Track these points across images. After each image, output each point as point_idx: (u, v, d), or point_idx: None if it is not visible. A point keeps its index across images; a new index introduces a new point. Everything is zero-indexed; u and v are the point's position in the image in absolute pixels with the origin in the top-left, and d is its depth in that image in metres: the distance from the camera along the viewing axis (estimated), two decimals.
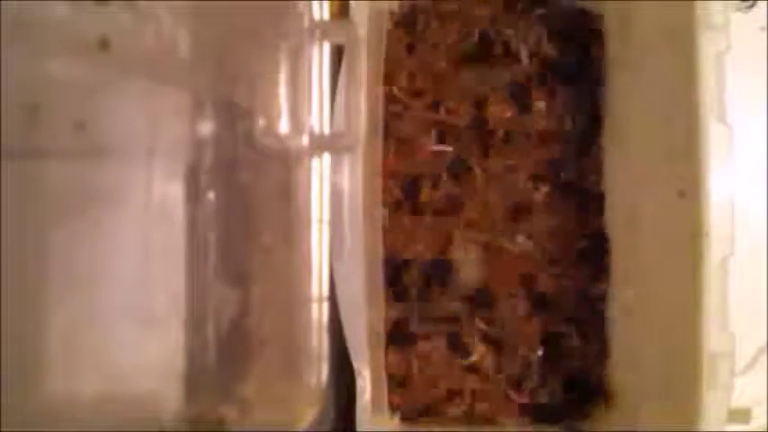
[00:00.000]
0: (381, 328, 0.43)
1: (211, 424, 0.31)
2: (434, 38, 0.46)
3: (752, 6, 0.47)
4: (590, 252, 0.46)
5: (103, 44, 0.30)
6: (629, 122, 0.44)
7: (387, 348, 0.43)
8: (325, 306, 0.32)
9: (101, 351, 0.30)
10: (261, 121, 0.32)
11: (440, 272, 0.45)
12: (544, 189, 0.46)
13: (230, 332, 0.32)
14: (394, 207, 0.45)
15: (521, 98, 0.46)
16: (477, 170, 0.46)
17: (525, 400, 0.45)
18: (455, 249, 0.45)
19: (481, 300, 0.45)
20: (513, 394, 0.45)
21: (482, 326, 0.45)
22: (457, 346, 0.45)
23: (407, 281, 0.45)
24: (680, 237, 0.37)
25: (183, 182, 0.31)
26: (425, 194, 0.45)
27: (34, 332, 0.30)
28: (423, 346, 0.45)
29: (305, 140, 0.32)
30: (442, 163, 0.46)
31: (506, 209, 0.46)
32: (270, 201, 0.32)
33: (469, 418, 0.45)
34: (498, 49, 0.46)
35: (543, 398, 0.45)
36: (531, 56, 0.46)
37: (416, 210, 0.45)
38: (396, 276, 0.45)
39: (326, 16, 0.33)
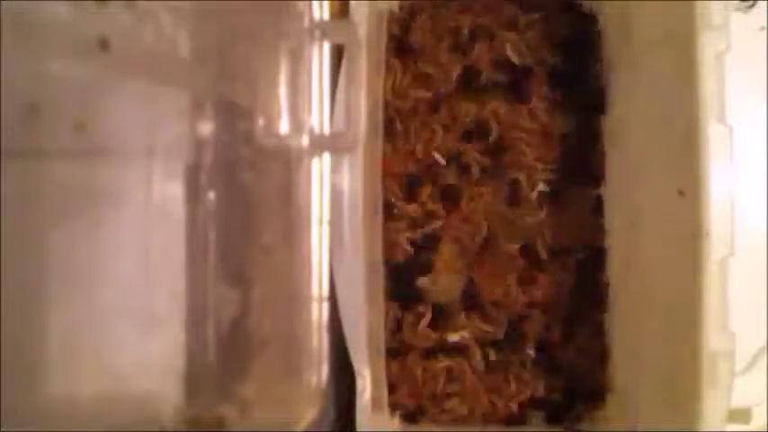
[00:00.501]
0: (381, 329, 0.43)
1: (211, 424, 0.31)
2: (434, 38, 0.46)
3: (752, 6, 0.47)
4: (590, 252, 0.46)
5: (103, 44, 0.30)
6: (629, 122, 0.44)
7: (387, 349, 0.43)
8: (325, 306, 0.32)
9: (101, 351, 0.30)
10: (261, 121, 0.32)
11: (440, 272, 0.45)
12: (544, 189, 0.46)
13: (230, 332, 0.32)
14: (394, 207, 0.45)
15: (520, 98, 0.46)
16: (477, 170, 0.46)
17: (524, 400, 0.45)
18: (455, 249, 0.45)
19: (481, 300, 0.45)
20: (512, 394, 0.45)
21: (481, 326, 0.45)
22: (457, 346, 0.45)
23: (407, 281, 0.45)
24: (680, 236, 0.37)
25: (183, 182, 0.31)
26: (424, 194, 0.45)
27: (34, 332, 0.30)
28: (422, 346, 0.45)
29: (305, 140, 0.32)
30: (440, 163, 0.46)
31: (506, 209, 0.46)
32: (270, 201, 0.32)
33: (469, 418, 0.45)
34: (498, 50, 0.46)
35: (543, 398, 0.45)
36: (531, 56, 0.46)
37: (417, 209, 0.45)
38: (396, 276, 0.45)
39: (326, 16, 0.33)
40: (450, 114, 0.46)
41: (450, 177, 0.46)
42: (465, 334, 0.45)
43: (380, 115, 0.44)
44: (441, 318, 0.45)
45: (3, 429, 0.28)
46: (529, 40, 0.46)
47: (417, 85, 0.46)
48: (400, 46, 0.46)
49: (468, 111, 0.46)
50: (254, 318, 0.32)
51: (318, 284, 0.32)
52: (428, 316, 0.45)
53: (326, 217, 0.32)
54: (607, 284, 0.46)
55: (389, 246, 0.45)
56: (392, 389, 0.44)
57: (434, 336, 0.45)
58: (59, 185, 0.30)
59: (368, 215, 0.39)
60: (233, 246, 0.32)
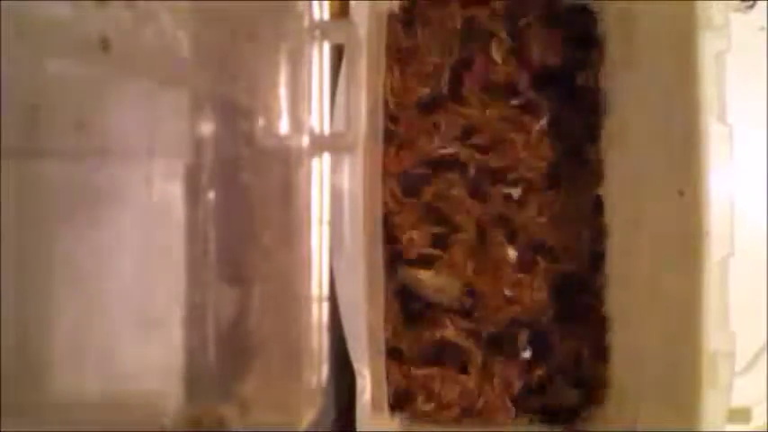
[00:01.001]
0: (381, 328, 0.43)
1: (211, 424, 0.31)
2: (434, 38, 0.46)
3: (752, 6, 0.47)
4: (590, 252, 0.46)
5: (103, 44, 0.30)
6: (629, 122, 0.44)
7: (387, 349, 0.44)
8: (325, 306, 0.32)
9: (101, 351, 0.30)
10: (261, 121, 0.32)
11: (440, 272, 0.45)
12: (543, 189, 0.46)
13: (230, 332, 0.32)
14: (393, 207, 0.45)
15: (521, 98, 0.46)
16: (477, 170, 0.46)
17: (524, 400, 0.45)
18: (455, 249, 0.45)
19: (481, 300, 0.45)
20: (512, 395, 0.45)
21: (482, 326, 0.45)
22: (457, 346, 0.45)
23: (407, 281, 0.45)
24: (680, 236, 0.37)
25: (182, 182, 0.31)
26: (425, 194, 0.45)
27: (35, 332, 0.30)
28: (422, 346, 0.45)
29: (305, 140, 0.32)
30: (440, 162, 0.46)
31: (505, 209, 0.46)
32: (270, 201, 0.32)
33: (469, 418, 0.45)
34: (498, 49, 0.46)
35: (543, 398, 0.45)
36: (531, 56, 0.46)
37: (416, 210, 0.45)
38: (396, 276, 0.45)
39: (326, 16, 0.33)
40: (450, 114, 0.46)
41: (450, 177, 0.46)
42: (464, 334, 0.45)
43: (380, 115, 0.44)
44: (441, 317, 0.45)
45: (3, 429, 0.28)
46: (529, 39, 0.46)
47: (417, 85, 0.46)
48: (400, 46, 0.46)
49: (469, 111, 0.46)
50: (254, 318, 0.32)
51: (318, 284, 0.32)
52: (428, 316, 0.45)
53: (326, 217, 0.32)
54: (607, 284, 0.45)
55: (391, 246, 0.45)
56: (392, 389, 0.44)
57: (434, 336, 0.45)
58: (59, 185, 0.30)
59: (368, 215, 0.39)
60: (233, 246, 0.32)
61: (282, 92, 0.32)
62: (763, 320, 0.45)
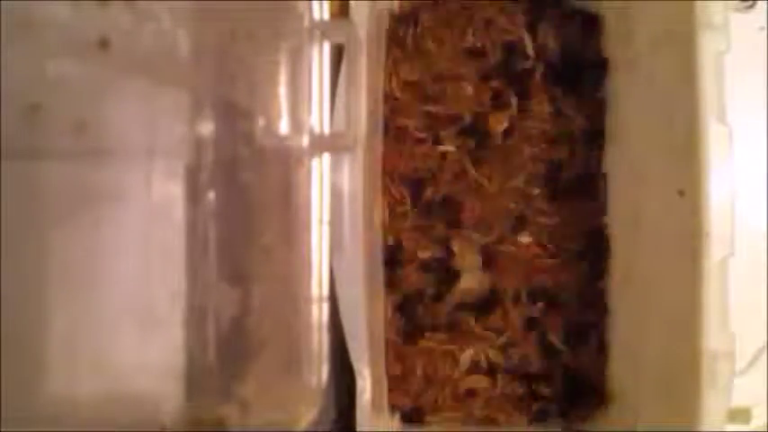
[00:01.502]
0: (381, 328, 0.43)
1: (211, 424, 0.31)
2: (434, 38, 0.46)
3: (752, 6, 0.47)
4: (590, 252, 0.46)
5: (103, 44, 0.30)
6: (629, 122, 0.44)
7: (387, 348, 0.44)
8: (325, 306, 0.32)
9: (101, 351, 0.30)
10: (261, 121, 0.32)
11: (439, 272, 0.45)
12: (544, 189, 0.46)
13: (230, 332, 0.32)
14: (394, 207, 0.45)
15: (521, 98, 0.46)
16: (477, 170, 0.46)
17: (525, 400, 0.45)
18: (455, 249, 0.45)
19: (480, 300, 0.45)
20: (512, 394, 0.45)
21: (482, 326, 0.45)
22: (457, 346, 0.45)
23: (407, 281, 0.45)
24: (680, 236, 0.37)
25: (183, 182, 0.31)
26: (425, 194, 0.45)
27: (34, 332, 0.30)
28: (422, 346, 0.45)
29: (305, 140, 0.32)
30: (441, 163, 0.46)
31: (506, 209, 0.46)
32: (270, 201, 0.32)
33: (469, 418, 0.45)
34: (498, 50, 0.46)
35: (543, 398, 0.45)
36: (531, 56, 0.46)
37: (416, 210, 0.45)
38: (396, 276, 0.45)
39: (326, 16, 0.33)
40: (451, 114, 0.46)
41: (451, 177, 0.46)
42: (466, 334, 0.45)
43: (380, 115, 0.44)
44: (441, 317, 0.45)
45: (3, 429, 0.28)
46: (530, 40, 0.46)
47: (417, 85, 0.46)
48: (400, 46, 0.46)
49: (469, 111, 0.46)
50: (254, 318, 0.32)
51: (318, 284, 0.32)
52: (428, 316, 0.45)
53: (326, 217, 0.32)
54: (607, 285, 0.45)
55: (391, 246, 0.45)
56: (392, 389, 0.44)
57: (434, 335, 0.45)
58: (59, 185, 0.30)
59: (368, 215, 0.39)
60: (233, 246, 0.32)
61: (282, 92, 0.32)
62: (763, 320, 0.45)
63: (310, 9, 0.32)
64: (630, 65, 0.44)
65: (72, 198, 0.30)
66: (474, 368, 0.45)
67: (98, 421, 0.30)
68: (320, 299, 0.32)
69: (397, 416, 0.44)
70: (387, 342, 0.44)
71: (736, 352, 0.35)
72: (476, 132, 0.46)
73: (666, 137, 0.39)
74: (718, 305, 0.36)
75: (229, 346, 0.32)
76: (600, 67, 0.46)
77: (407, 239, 0.45)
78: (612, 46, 0.46)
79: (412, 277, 0.45)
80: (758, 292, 0.46)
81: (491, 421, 0.45)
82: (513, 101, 0.46)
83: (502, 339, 0.45)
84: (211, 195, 0.32)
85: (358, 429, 0.38)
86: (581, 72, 0.47)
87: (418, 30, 0.46)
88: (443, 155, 0.46)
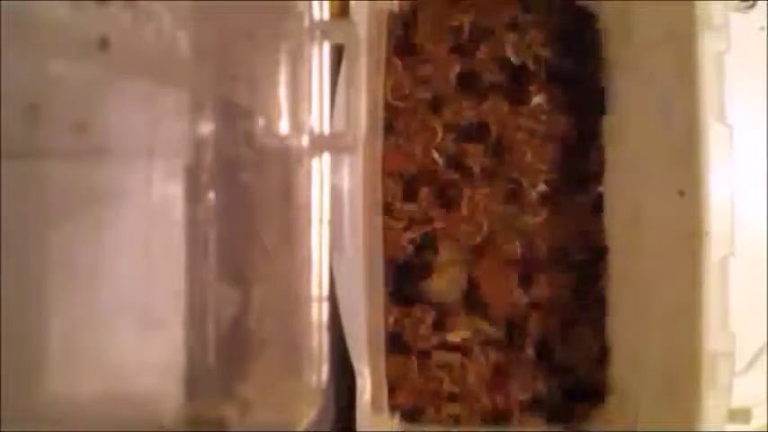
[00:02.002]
0: (381, 328, 0.43)
1: (211, 424, 0.31)
2: (434, 38, 0.46)
3: (752, 6, 0.47)
4: (590, 252, 0.46)
5: (103, 44, 0.30)
6: (629, 122, 0.44)
7: (387, 348, 0.43)
8: (325, 306, 0.32)
9: (101, 351, 0.30)
10: (261, 121, 0.32)
11: (440, 272, 0.45)
12: (543, 189, 0.46)
13: (230, 332, 0.32)
14: (394, 207, 0.45)
15: (520, 98, 0.46)
16: (477, 170, 0.46)
17: (524, 400, 0.45)
18: (455, 249, 0.45)
19: (481, 299, 0.45)
20: (512, 394, 0.45)
21: (482, 326, 0.45)
22: (457, 346, 0.45)
23: (407, 281, 0.45)
24: (680, 236, 0.37)
25: (183, 182, 0.31)
26: (424, 194, 0.45)
27: (34, 332, 0.30)
28: (422, 346, 0.45)
29: (305, 140, 0.32)
30: (440, 163, 0.46)
31: (506, 208, 0.46)
32: (270, 201, 0.32)
33: (469, 418, 0.45)
34: (498, 49, 0.46)
35: (543, 398, 0.45)
36: (531, 56, 0.46)
37: (416, 209, 0.45)
38: (396, 276, 0.45)
39: (326, 16, 0.33)
40: (451, 114, 0.46)
41: (450, 177, 0.46)
42: (465, 334, 0.45)
43: (380, 115, 0.44)
44: (441, 318, 0.45)
45: (3, 429, 0.28)
46: (529, 39, 0.46)
47: (417, 85, 0.46)
48: (400, 46, 0.46)
49: (469, 111, 0.46)
50: (254, 318, 0.32)
51: (318, 284, 0.32)
52: (429, 316, 0.45)
53: (326, 217, 0.32)
54: (607, 284, 0.45)
55: (390, 246, 0.45)
56: (392, 389, 0.44)
57: (435, 336, 0.45)
58: (59, 185, 0.30)
59: (368, 215, 0.39)
60: (233, 246, 0.32)
61: (282, 92, 0.32)
62: (763, 320, 0.45)
63: (310, 9, 0.32)
64: (630, 65, 0.44)
65: (72, 198, 0.30)
66: (474, 368, 0.45)
67: (98, 421, 0.30)
68: (320, 299, 0.32)
69: (397, 416, 0.44)
70: (386, 342, 0.44)
71: (736, 352, 0.35)
72: (475, 132, 0.46)
73: (666, 137, 0.39)
74: (718, 305, 0.35)
75: (229, 346, 0.32)
76: (599, 66, 0.46)
77: (408, 239, 0.45)
78: (612, 46, 0.46)
79: (412, 276, 0.45)
80: (758, 292, 0.46)
81: (491, 421, 0.45)
82: (512, 100, 0.46)
83: (501, 339, 0.45)
84: (211, 195, 0.32)
85: (358, 429, 0.38)
86: (580, 71, 0.46)
87: (418, 30, 0.46)
88: (442, 155, 0.46)
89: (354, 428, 0.38)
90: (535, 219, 0.46)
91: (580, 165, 0.46)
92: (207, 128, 0.32)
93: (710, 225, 0.36)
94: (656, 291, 0.40)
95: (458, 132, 0.46)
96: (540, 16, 0.47)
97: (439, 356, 0.45)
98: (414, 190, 0.45)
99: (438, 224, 0.45)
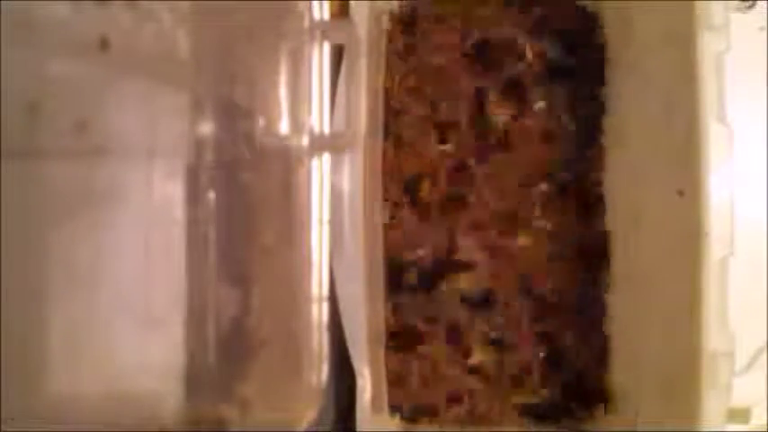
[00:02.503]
0: (381, 328, 0.43)
1: (211, 424, 0.31)
2: (434, 38, 0.46)
3: (752, 6, 0.47)
4: (590, 252, 0.46)
5: (103, 44, 0.30)
6: (629, 122, 0.44)
7: (387, 349, 0.44)
8: (325, 306, 0.32)
9: (101, 351, 0.30)
10: (261, 121, 0.32)
11: (440, 272, 0.45)
12: (544, 189, 0.46)
13: (230, 332, 0.32)
14: (394, 207, 0.45)
15: (521, 98, 0.46)
16: (477, 170, 0.46)
17: (525, 400, 0.45)
18: (455, 250, 0.45)
19: (481, 300, 0.45)
20: (513, 395, 0.45)
21: (482, 326, 0.45)
22: (457, 346, 0.45)
23: (408, 281, 0.45)
24: (680, 236, 0.37)
25: (183, 182, 0.31)
26: (425, 194, 0.45)
27: (35, 332, 0.30)
28: (423, 346, 0.45)
29: (305, 140, 0.32)
30: (442, 163, 0.46)
31: (506, 209, 0.46)
32: (270, 201, 0.32)
33: (469, 418, 0.45)
34: (498, 49, 0.46)
35: (543, 398, 0.45)
36: (531, 56, 0.46)
37: (416, 210, 0.45)
38: (396, 276, 0.45)
39: (326, 16, 0.33)
40: (451, 114, 0.46)
41: (451, 178, 0.46)
42: (466, 335, 0.45)
43: (380, 115, 0.44)
44: (442, 318, 0.45)
45: (3, 429, 0.28)
46: (529, 39, 0.46)
47: (417, 85, 0.46)
48: (400, 46, 0.46)
49: (469, 111, 0.46)
50: (254, 318, 0.32)
51: (318, 284, 0.32)
52: (429, 316, 0.45)
53: (326, 217, 0.32)
54: (607, 284, 0.45)
55: (391, 246, 0.45)
56: (392, 389, 0.44)
57: (435, 336, 0.45)
58: (59, 185, 0.30)
59: (368, 215, 0.39)
60: (233, 246, 0.32)
61: (282, 92, 0.32)
62: (763, 320, 0.45)
63: (310, 9, 0.32)
64: (630, 65, 0.44)
65: (72, 198, 0.30)
66: (474, 368, 0.45)
67: (98, 421, 0.30)
68: (320, 299, 0.32)
69: (397, 416, 0.44)
70: (387, 342, 0.44)
71: (736, 352, 0.35)
72: (475, 132, 0.46)
73: (666, 137, 0.39)
74: (717, 305, 0.35)
75: (229, 346, 0.32)
76: (599, 66, 0.46)
77: (407, 239, 0.45)
78: (612, 46, 0.46)
79: (412, 277, 0.45)
80: (758, 292, 0.46)
81: (491, 421, 0.45)
82: (513, 101, 0.46)
83: (502, 339, 0.45)
84: (211, 195, 0.32)
85: (358, 429, 0.38)
86: (580, 72, 0.46)
87: (418, 30, 0.46)
88: (443, 155, 0.46)
89: (354, 428, 0.38)
90: (536, 219, 0.46)
91: (581, 165, 0.46)
92: (207, 128, 0.32)
93: (710, 225, 0.36)
94: (656, 291, 0.40)
95: (458, 132, 0.46)
96: (540, 16, 0.47)
97: (439, 356, 0.45)
98: (414, 190, 0.45)
99: (438, 225, 0.45)
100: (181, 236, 0.31)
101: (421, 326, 0.45)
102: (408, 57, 0.46)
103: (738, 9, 0.46)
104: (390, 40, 0.45)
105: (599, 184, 0.46)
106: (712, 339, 0.35)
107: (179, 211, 0.31)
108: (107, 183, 0.31)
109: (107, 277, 0.31)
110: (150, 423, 0.31)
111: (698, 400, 0.35)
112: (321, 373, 0.31)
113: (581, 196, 0.46)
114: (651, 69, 0.41)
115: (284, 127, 0.32)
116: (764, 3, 0.47)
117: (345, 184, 0.37)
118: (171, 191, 0.31)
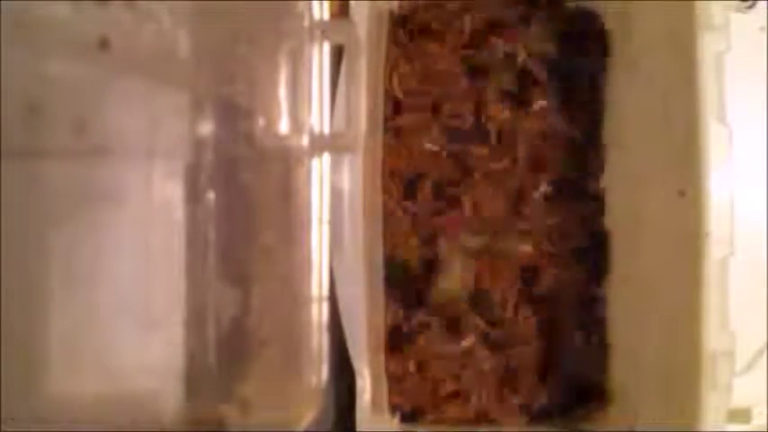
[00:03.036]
0: (381, 328, 0.43)
1: (211, 424, 0.31)
2: (434, 38, 0.46)
3: (752, 6, 0.47)
4: (590, 252, 0.46)
5: (103, 44, 0.30)
6: (629, 122, 0.44)
7: (386, 348, 0.44)
8: (325, 306, 0.32)
9: (101, 351, 0.30)
10: (261, 121, 0.32)
11: (440, 272, 0.45)
12: (544, 189, 0.46)
13: (230, 332, 0.32)
14: (394, 207, 0.45)
15: (521, 98, 0.46)
16: (477, 170, 0.46)
17: (525, 400, 0.45)
18: (455, 249, 0.45)
19: (481, 300, 0.45)
20: (512, 394, 0.45)
21: (482, 326, 0.45)
22: (457, 346, 0.45)
23: (408, 281, 0.45)
24: (680, 236, 0.37)
25: (182, 182, 0.31)
26: (425, 194, 0.45)
27: (35, 332, 0.30)
28: (422, 346, 0.45)
29: (305, 140, 0.32)
30: (441, 163, 0.46)
31: (506, 209, 0.46)
32: (270, 201, 0.32)
33: (469, 418, 0.45)
34: (498, 49, 0.46)
35: (543, 398, 0.45)
36: (532, 56, 0.46)
37: (416, 209, 0.45)
38: (396, 276, 0.45)
39: (326, 16, 0.33)
40: (452, 114, 0.46)
41: (452, 178, 0.46)
42: (467, 335, 0.45)
43: (380, 115, 0.44)
44: (442, 318, 0.45)
45: (3, 429, 0.28)
46: (529, 39, 0.46)
47: (418, 85, 0.46)
48: (400, 46, 0.46)
49: (469, 111, 0.46)
50: (254, 318, 0.32)
51: (318, 284, 0.32)
52: (430, 316, 0.45)
53: (326, 217, 0.32)
54: (607, 285, 0.45)
55: (391, 246, 0.45)
56: (392, 389, 0.44)
57: (435, 336, 0.45)
58: (59, 185, 0.30)
59: (368, 215, 0.39)
60: (233, 246, 0.32)
61: (282, 92, 0.32)
62: (763, 320, 0.45)
63: (310, 9, 0.32)
64: (630, 65, 0.44)
65: (72, 198, 0.30)
66: (474, 368, 0.45)
67: (98, 421, 0.30)
68: (320, 299, 0.32)
69: (397, 416, 0.44)
70: (386, 342, 0.44)
71: (737, 352, 0.35)
72: (475, 132, 0.46)
73: (666, 137, 0.39)
74: (718, 305, 0.35)
75: (229, 346, 0.32)
76: (599, 66, 0.46)
77: (408, 239, 0.45)
78: (612, 46, 0.46)
79: (412, 276, 0.45)
80: (758, 292, 0.46)
81: (491, 421, 0.45)
82: (513, 101, 0.46)
83: (502, 339, 0.45)
84: (211, 195, 0.32)
85: (358, 429, 0.38)
86: (580, 72, 0.46)
87: (418, 30, 0.46)
88: (443, 155, 0.46)
89: (354, 428, 0.38)
90: (536, 219, 0.46)
91: (581, 165, 0.46)
92: (207, 128, 0.32)
93: (711, 225, 0.36)
94: (656, 291, 0.40)
95: (459, 132, 0.46)
96: (540, 16, 0.47)
97: (439, 356, 0.45)
98: (414, 190, 0.45)
99: (439, 225, 0.45)
100: (180, 236, 0.31)
101: (421, 326, 0.45)
102: (408, 57, 0.46)
103: (738, 9, 0.46)
104: (390, 40, 0.45)
105: (599, 183, 0.46)
106: (712, 339, 0.35)
107: (179, 212, 0.31)
108: (107, 183, 0.31)
109: (107, 277, 0.31)
110: (150, 423, 0.31)
111: (698, 400, 0.35)
112: (321, 373, 0.31)
113: (581, 196, 0.46)
114: (651, 69, 0.41)
115: (284, 127, 0.32)
116: (764, 3, 0.47)
117: (345, 184, 0.37)
118: (171, 191, 0.31)
